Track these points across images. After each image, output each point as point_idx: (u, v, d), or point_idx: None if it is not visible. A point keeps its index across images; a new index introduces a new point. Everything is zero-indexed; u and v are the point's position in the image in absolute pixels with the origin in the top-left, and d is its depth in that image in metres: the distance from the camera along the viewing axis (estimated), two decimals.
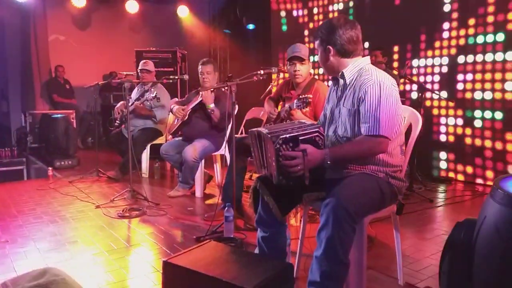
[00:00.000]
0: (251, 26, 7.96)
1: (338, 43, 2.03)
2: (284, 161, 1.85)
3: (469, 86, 4.75)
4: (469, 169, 4.79)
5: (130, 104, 5.01)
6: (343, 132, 2.06)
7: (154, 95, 4.55)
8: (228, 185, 3.30)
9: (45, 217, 3.58)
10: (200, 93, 4.13)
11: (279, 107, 3.56)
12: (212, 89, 4.02)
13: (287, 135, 1.87)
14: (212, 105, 4.00)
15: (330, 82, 2.32)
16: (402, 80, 5.01)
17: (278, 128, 1.95)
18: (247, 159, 3.42)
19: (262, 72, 3.16)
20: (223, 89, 4.01)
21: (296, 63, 3.24)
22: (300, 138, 1.88)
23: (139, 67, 5.14)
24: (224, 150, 4.24)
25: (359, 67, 2.05)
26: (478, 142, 4.70)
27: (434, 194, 4.21)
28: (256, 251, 2.23)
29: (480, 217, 1.49)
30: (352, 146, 1.97)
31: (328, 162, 1.89)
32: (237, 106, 3.67)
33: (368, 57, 2.13)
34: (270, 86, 5.21)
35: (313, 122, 2.07)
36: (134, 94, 5.29)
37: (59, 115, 6.28)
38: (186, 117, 4.18)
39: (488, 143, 4.61)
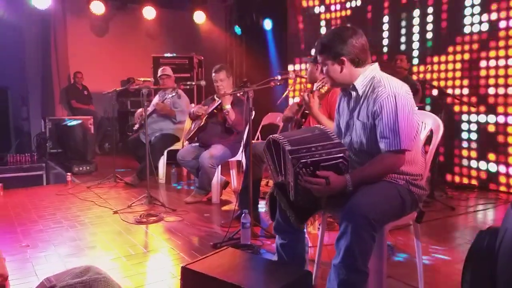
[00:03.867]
0: (269, 25, 7.96)
1: (352, 52, 1.96)
2: (304, 183, 1.81)
3: (491, 80, 4.63)
4: (493, 176, 4.68)
5: (150, 108, 5.09)
6: (359, 145, 2.01)
7: (176, 92, 4.62)
8: (244, 191, 3.30)
9: (64, 222, 3.62)
10: (216, 98, 4.14)
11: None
12: (230, 94, 4.03)
13: (308, 160, 1.78)
14: (228, 106, 3.99)
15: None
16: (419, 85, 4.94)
17: (300, 143, 1.85)
18: (262, 165, 3.41)
19: (279, 77, 3.16)
20: (238, 95, 4.02)
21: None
22: (322, 164, 1.80)
23: (159, 74, 5.23)
24: (241, 156, 4.23)
25: (370, 77, 1.99)
26: (502, 149, 4.58)
27: (456, 202, 4.13)
28: (275, 258, 2.21)
29: (502, 229, 1.45)
30: (373, 168, 1.90)
31: (350, 189, 1.84)
32: (253, 112, 3.67)
33: (377, 63, 2.04)
34: (287, 91, 5.20)
35: (334, 132, 2.00)
36: (155, 100, 5.37)
37: (75, 123, 6.34)
38: (203, 123, 4.20)
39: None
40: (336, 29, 2.05)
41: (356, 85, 2.01)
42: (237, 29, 8.40)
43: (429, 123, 2.21)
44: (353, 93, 2.05)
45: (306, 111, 2.92)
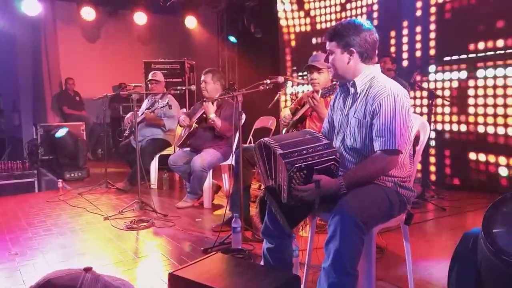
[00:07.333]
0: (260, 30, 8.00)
1: (362, 46, 1.96)
2: (295, 191, 1.82)
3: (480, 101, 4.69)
4: (484, 177, 4.69)
5: (140, 113, 5.07)
6: (352, 142, 2.01)
7: (166, 102, 4.59)
8: (235, 195, 3.29)
9: (54, 229, 3.59)
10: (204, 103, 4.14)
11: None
12: (215, 100, 4.02)
13: (303, 164, 1.79)
14: (212, 115, 3.98)
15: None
16: (411, 89, 4.95)
17: (291, 146, 1.85)
18: (252, 169, 3.41)
19: (268, 81, 3.15)
20: (230, 99, 4.01)
21: (313, 71, 3.24)
22: (315, 167, 1.82)
23: (148, 78, 5.21)
24: (232, 159, 4.22)
25: (370, 76, 2.00)
26: (492, 149, 4.60)
27: (448, 203, 4.13)
28: (261, 263, 2.20)
29: (478, 261, 1.47)
30: (366, 169, 1.91)
31: (344, 191, 1.84)
32: (244, 116, 3.66)
33: (378, 65, 2.06)
34: (278, 95, 5.20)
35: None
36: (145, 104, 5.36)
37: (62, 134, 6.29)
38: (193, 128, 4.18)
39: (502, 150, 4.51)
40: (352, 20, 2.03)
41: (356, 81, 2.01)
42: (232, 39, 8.42)
43: (415, 124, 2.21)
44: (352, 90, 2.04)
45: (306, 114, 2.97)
